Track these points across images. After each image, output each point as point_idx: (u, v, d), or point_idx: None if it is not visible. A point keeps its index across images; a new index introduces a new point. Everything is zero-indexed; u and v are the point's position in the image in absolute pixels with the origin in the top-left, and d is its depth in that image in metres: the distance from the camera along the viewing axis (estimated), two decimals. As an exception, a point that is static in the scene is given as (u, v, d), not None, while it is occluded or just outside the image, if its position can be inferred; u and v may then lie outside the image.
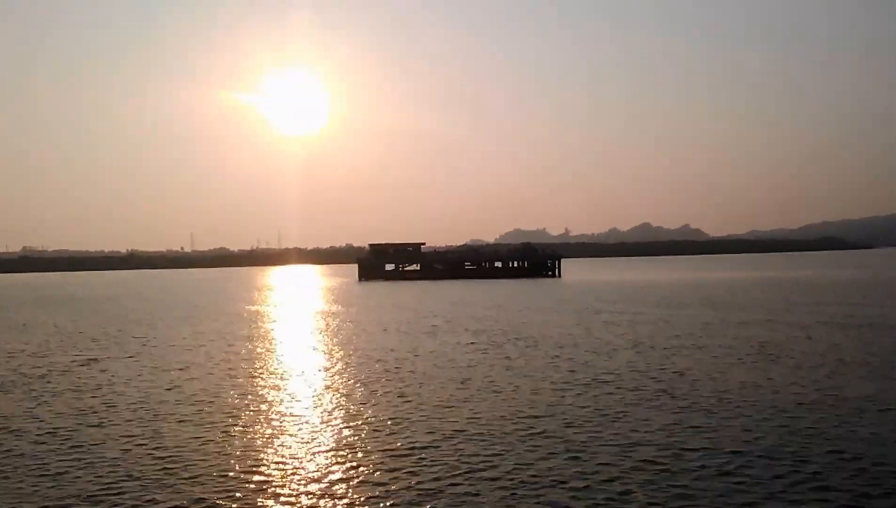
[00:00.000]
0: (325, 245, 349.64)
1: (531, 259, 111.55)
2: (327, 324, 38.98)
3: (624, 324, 33.87)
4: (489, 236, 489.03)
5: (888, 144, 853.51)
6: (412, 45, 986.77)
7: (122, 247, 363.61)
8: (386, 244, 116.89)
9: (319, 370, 22.47)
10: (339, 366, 23.23)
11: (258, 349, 28.32)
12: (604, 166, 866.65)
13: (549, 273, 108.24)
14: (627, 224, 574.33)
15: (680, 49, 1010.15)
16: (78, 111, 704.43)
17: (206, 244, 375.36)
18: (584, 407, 15.83)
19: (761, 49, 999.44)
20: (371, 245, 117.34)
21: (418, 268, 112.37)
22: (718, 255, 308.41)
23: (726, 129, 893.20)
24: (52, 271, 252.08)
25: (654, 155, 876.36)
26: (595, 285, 74.62)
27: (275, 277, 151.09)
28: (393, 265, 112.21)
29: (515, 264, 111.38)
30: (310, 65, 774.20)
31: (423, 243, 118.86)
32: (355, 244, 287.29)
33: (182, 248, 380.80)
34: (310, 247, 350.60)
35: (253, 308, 53.30)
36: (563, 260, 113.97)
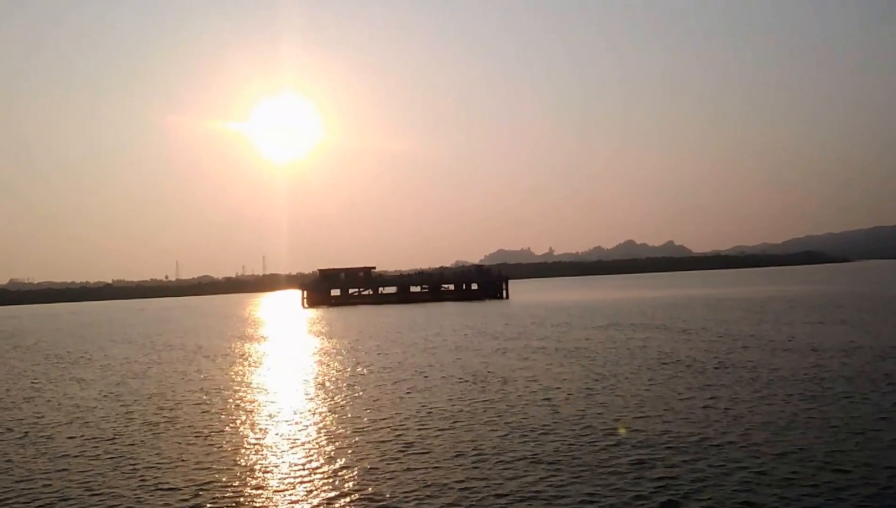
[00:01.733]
0: (312, 270, 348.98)
1: (481, 281, 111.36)
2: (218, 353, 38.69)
3: (520, 348, 33.92)
4: (474, 257, 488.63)
5: (870, 160, 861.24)
6: (400, 68, 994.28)
7: (108, 277, 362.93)
8: (337, 269, 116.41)
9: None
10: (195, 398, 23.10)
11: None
12: (588, 186, 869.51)
13: (499, 295, 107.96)
14: (611, 242, 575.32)
15: (665, 68, 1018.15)
16: (65, 141, 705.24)
17: (191, 272, 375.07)
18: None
19: (746, 68, 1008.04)
20: (321, 270, 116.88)
21: (370, 293, 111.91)
22: (700, 271, 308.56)
23: (711, 145, 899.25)
24: (37, 303, 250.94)
25: (638, 173, 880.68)
26: (536, 306, 74.98)
27: (240, 304, 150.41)
28: (338, 291, 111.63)
29: (465, 287, 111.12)
30: (300, 91, 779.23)
31: (374, 268, 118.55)
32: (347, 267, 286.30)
33: (167, 276, 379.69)
34: (294, 272, 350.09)
35: (162, 338, 52.78)
36: (513, 281, 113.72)
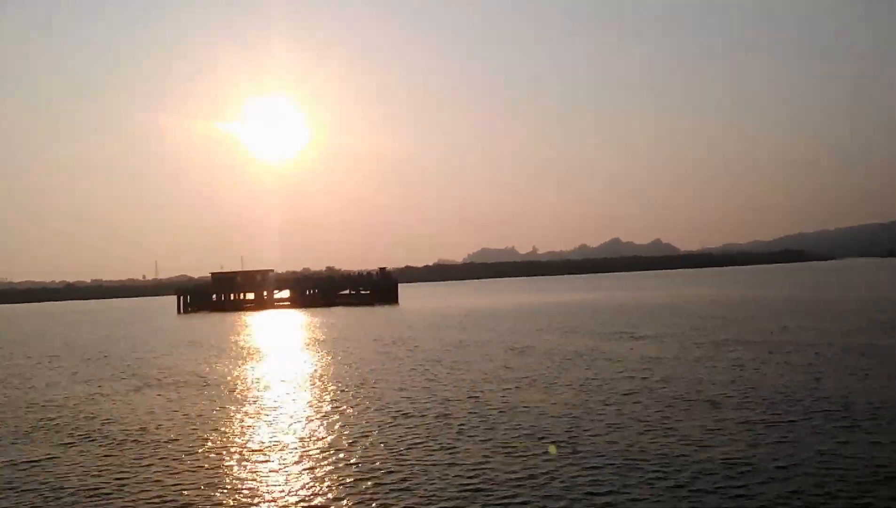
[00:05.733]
0: (297, 269, 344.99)
1: (379, 286, 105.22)
2: None
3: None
4: (457, 256, 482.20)
5: (857, 158, 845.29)
6: (388, 69, 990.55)
7: (88, 277, 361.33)
8: (232, 272, 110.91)
9: None
10: None
11: None
12: (574, 183, 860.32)
13: (393, 300, 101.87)
14: (597, 240, 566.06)
15: (648, 67, 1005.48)
16: (52, 141, 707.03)
17: (172, 272, 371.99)
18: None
19: (731, 66, 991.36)
20: (213, 273, 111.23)
21: (265, 297, 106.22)
22: (686, 269, 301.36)
23: (701, 141, 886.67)
24: (17, 303, 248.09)
25: (625, 170, 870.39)
26: (415, 313, 70.39)
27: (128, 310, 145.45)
28: (215, 296, 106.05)
29: (363, 292, 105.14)
30: (288, 91, 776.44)
31: (272, 271, 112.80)
32: (336, 267, 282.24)
33: (144, 276, 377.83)
34: (282, 271, 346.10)
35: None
36: (406, 286, 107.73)
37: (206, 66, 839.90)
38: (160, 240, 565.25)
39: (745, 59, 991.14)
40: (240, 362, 33.00)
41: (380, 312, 77.61)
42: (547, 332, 40.25)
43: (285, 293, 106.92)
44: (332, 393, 22.22)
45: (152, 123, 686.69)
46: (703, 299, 69.51)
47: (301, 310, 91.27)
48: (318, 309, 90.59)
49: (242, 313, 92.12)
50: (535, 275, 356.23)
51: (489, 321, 52.19)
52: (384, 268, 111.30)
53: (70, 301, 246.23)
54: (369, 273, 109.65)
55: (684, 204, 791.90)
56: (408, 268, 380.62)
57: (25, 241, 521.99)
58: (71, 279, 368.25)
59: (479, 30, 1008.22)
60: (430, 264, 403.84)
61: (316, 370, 28.35)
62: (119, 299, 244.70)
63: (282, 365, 31.11)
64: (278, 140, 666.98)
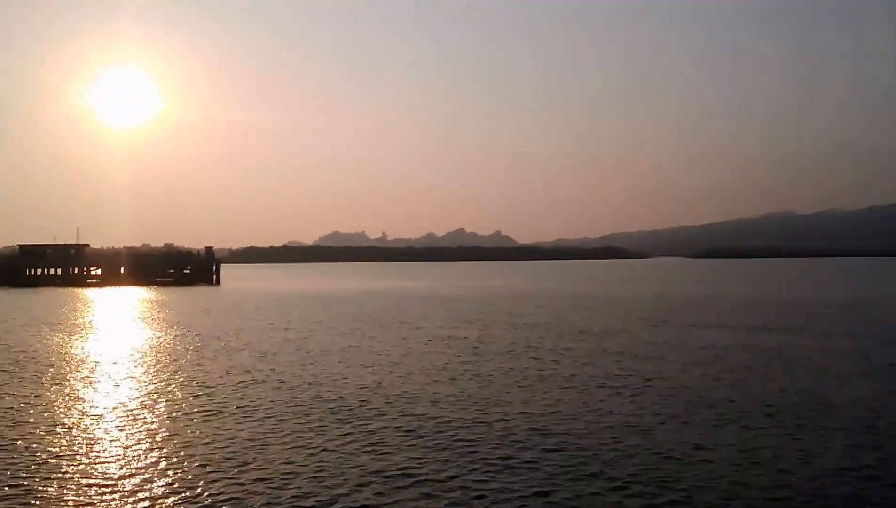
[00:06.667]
0: (136, 244, 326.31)
1: (193, 264, 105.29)
2: None
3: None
4: (307, 238, 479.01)
5: (681, 162, 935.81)
6: (242, 39, 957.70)
7: None
8: (42, 245, 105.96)
9: None
10: None
11: None
12: (423, 172, 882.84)
13: (212, 280, 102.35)
14: (443, 229, 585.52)
15: (482, 52, 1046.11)
16: None
17: (6, 242, 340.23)
18: None
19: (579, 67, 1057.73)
20: (20, 246, 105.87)
21: (76, 273, 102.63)
22: (522, 261, 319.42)
23: (542, 135, 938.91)
24: None
25: (470, 162, 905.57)
26: (241, 295, 70.81)
27: None
28: (38, 271, 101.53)
29: (182, 271, 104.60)
30: (139, 62, 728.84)
31: (88, 245, 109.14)
32: (179, 244, 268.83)
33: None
34: (129, 245, 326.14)
35: None
36: (227, 266, 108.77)
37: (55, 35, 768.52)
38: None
39: (586, 40, 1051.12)
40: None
41: (189, 293, 78.11)
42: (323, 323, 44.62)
43: (98, 271, 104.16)
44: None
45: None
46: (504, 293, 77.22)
47: (110, 288, 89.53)
48: (130, 287, 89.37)
49: (50, 289, 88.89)
50: (382, 261, 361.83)
51: (282, 308, 55.74)
52: (210, 247, 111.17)
53: None
54: (196, 252, 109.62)
55: (524, 200, 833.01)
56: (253, 248, 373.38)
57: None
58: None
59: (339, 2, 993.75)
60: (278, 245, 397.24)
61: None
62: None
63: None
64: (129, 108, 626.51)
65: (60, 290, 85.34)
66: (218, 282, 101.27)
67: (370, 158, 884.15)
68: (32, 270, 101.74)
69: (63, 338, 33.17)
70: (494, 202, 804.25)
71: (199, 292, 78.39)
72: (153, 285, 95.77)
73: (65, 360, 25.81)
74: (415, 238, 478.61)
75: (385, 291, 78.51)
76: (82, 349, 29.28)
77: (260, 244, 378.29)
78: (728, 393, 17.80)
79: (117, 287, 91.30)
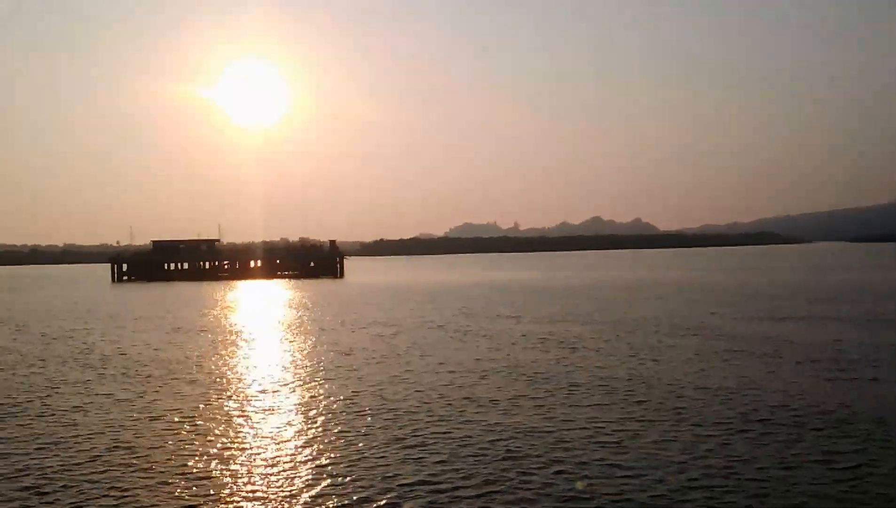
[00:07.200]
0: (275, 239, 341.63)
1: (318, 258, 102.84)
2: None
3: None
4: (438, 229, 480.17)
5: (840, 143, 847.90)
6: (375, 36, 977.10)
7: (62, 241, 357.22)
8: (175, 241, 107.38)
9: None
10: None
11: None
12: (557, 160, 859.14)
13: (336, 274, 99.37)
14: (579, 218, 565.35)
15: (636, 46, 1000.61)
16: (31, 106, 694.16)
17: (148, 238, 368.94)
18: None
19: (718, 48, 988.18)
20: (154, 242, 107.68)
21: (209, 267, 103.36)
22: (663, 249, 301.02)
23: (684, 121, 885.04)
24: None
25: (607, 149, 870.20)
26: (363, 288, 67.74)
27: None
28: (174, 265, 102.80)
29: (308, 265, 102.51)
30: (267, 56, 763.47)
31: (218, 240, 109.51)
32: (313, 238, 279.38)
33: (118, 242, 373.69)
34: (268, 239, 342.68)
35: None
36: (351, 259, 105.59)
37: (182, 30, 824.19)
38: (136, 205, 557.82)
39: (731, 35, 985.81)
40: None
41: (312, 286, 74.90)
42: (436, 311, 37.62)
43: (225, 264, 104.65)
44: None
45: (129, 88, 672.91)
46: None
47: (242, 282, 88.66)
48: (261, 281, 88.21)
49: (182, 283, 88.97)
50: (515, 251, 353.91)
51: (398, 300, 49.56)
52: (333, 241, 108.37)
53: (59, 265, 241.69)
54: (320, 246, 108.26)
55: (665, 185, 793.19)
56: (383, 241, 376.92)
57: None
58: (43, 243, 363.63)
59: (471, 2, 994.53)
60: (408, 237, 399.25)
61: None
62: (63, 266, 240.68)
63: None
64: (256, 105, 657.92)
65: (195, 284, 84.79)
66: (342, 275, 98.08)
67: (502, 150, 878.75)
68: (167, 265, 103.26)
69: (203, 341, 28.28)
70: (632, 188, 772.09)
71: (323, 286, 74.79)
72: (281, 278, 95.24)
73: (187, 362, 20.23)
74: (549, 227, 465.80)
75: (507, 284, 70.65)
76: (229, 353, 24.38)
77: (390, 237, 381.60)
78: None
79: (246, 281, 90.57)
